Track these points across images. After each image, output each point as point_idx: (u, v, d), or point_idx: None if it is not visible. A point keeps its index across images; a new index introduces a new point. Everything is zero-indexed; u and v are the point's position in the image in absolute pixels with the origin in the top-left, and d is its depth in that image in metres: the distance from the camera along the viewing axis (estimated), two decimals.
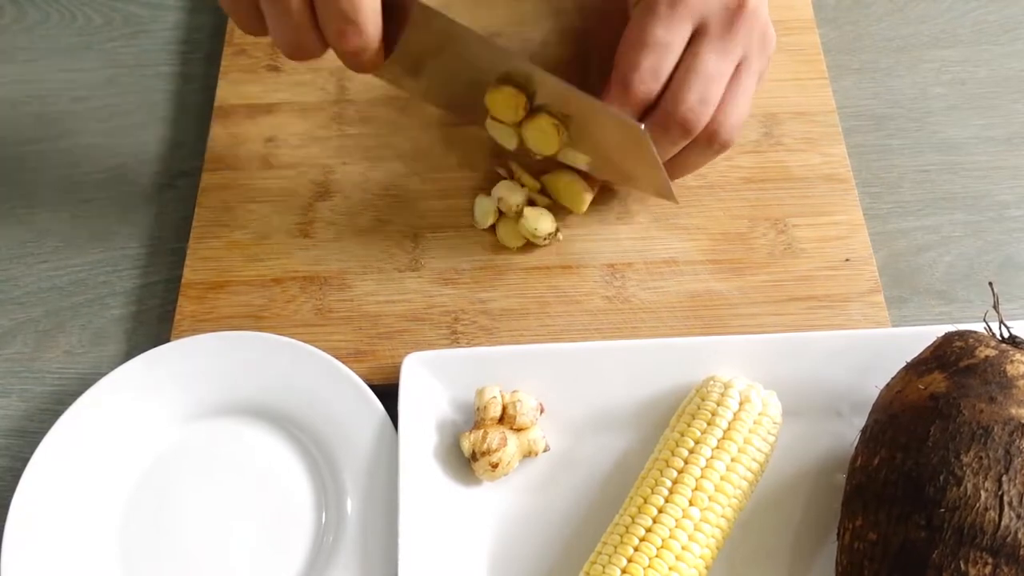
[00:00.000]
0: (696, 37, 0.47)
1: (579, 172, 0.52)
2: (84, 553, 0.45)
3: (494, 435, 0.45)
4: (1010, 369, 0.40)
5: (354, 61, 0.44)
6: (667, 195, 0.52)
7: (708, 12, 0.47)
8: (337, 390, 0.47)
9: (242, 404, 0.48)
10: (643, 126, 0.46)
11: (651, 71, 0.47)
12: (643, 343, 0.48)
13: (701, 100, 0.47)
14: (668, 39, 0.47)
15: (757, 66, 0.49)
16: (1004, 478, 0.38)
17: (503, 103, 0.49)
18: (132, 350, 0.51)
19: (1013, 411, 0.39)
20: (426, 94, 0.53)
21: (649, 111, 0.48)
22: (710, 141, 0.48)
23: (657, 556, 0.41)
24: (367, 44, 0.43)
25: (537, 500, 0.46)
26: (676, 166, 0.50)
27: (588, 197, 0.52)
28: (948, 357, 0.42)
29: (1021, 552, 0.37)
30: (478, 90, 0.50)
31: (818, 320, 0.50)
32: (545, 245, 0.52)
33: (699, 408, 0.45)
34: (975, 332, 0.43)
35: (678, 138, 0.48)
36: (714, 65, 0.47)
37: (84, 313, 0.53)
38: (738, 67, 0.48)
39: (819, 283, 0.52)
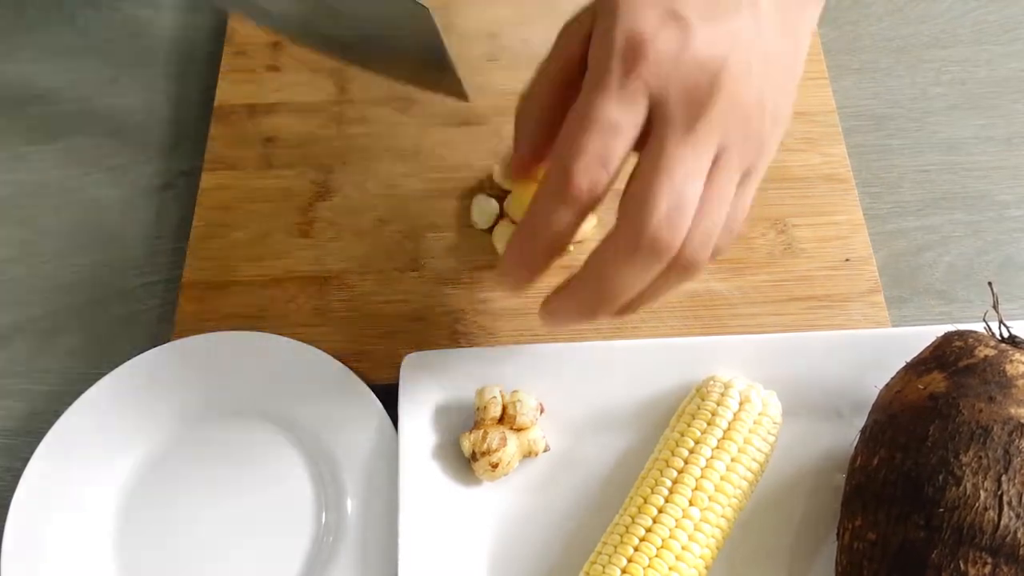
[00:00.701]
0: (656, 124, 0.36)
1: None
2: (84, 553, 0.45)
3: (494, 435, 0.45)
4: (1009, 369, 0.40)
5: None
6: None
7: (668, 88, 0.35)
8: (337, 390, 0.47)
9: (242, 404, 0.48)
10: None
11: (599, 159, 0.35)
12: (643, 343, 0.48)
13: (675, 206, 0.35)
14: (618, 119, 0.35)
15: (739, 162, 0.37)
16: (1003, 478, 0.38)
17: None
18: (132, 350, 0.51)
19: (1012, 411, 0.39)
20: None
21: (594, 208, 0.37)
22: (671, 264, 0.36)
23: (657, 556, 0.41)
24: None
25: (537, 500, 0.46)
26: (619, 291, 0.37)
27: None
28: (947, 357, 0.42)
29: (1020, 552, 0.37)
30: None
31: (818, 320, 0.50)
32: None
33: (699, 408, 0.45)
34: (974, 332, 0.43)
35: (652, 263, 0.36)
36: (687, 158, 0.35)
37: (84, 313, 0.53)
38: (712, 164, 0.36)
39: (819, 283, 0.52)
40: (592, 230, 0.51)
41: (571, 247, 0.50)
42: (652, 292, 0.38)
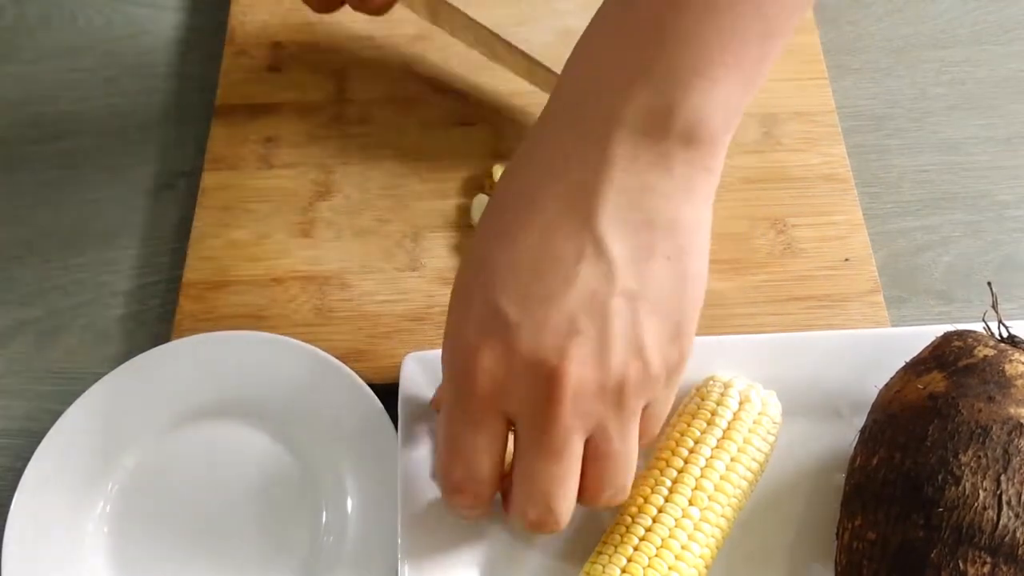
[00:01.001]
0: (516, 433, 0.36)
1: None
2: (83, 553, 0.45)
3: None
4: (1009, 369, 0.40)
5: (371, 8, 0.48)
6: None
7: (512, 397, 0.35)
8: (337, 390, 0.47)
9: (242, 404, 0.48)
10: None
11: (471, 481, 0.37)
12: None
13: (545, 510, 0.36)
14: (475, 444, 0.36)
15: (620, 425, 0.36)
16: (1002, 477, 0.38)
17: None
18: (132, 350, 0.51)
19: (1012, 410, 0.39)
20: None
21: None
22: (598, 508, 0.39)
23: (657, 556, 0.41)
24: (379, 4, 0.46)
25: None
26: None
27: None
28: (947, 357, 0.42)
29: (1019, 551, 0.37)
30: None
31: (818, 320, 0.50)
32: None
33: (699, 408, 0.45)
34: (974, 332, 0.43)
35: (541, 532, 0.38)
36: (547, 467, 0.35)
37: (84, 313, 0.53)
38: (592, 442, 0.36)
39: (819, 283, 0.52)
40: None
41: None
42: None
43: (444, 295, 0.51)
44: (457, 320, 0.36)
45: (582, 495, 0.37)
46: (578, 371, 0.34)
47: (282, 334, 0.49)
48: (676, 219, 0.36)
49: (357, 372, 0.48)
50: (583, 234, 0.34)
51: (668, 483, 0.42)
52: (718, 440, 0.43)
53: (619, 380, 0.35)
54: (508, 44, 0.54)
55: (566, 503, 0.36)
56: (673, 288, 0.36)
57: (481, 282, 0.35)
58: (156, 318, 0.53)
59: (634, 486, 0.44)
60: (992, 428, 0.39)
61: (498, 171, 0.54)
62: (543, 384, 0.34)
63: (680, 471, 0.43)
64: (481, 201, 0.53)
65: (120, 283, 0.54)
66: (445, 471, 0.37)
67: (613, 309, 0.34)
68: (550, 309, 0.34)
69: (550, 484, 0.36)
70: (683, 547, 0.41)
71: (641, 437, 0.38)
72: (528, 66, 0.54)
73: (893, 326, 0.51)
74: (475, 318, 0.35)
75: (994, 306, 0.43)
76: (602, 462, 0.36)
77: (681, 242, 0.36)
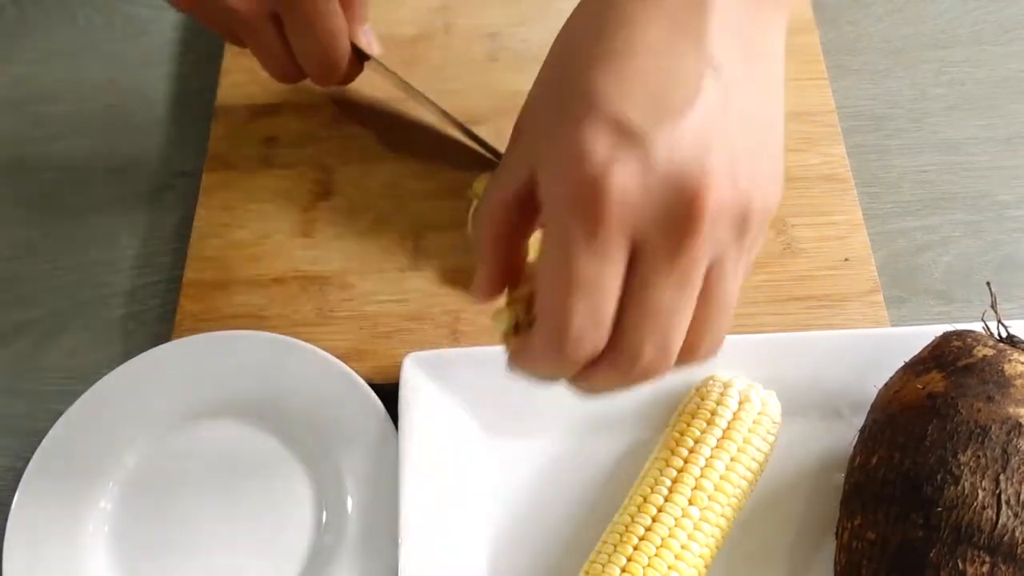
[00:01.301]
0: (640, 259, 0.32)
1: None
2: (84, 553, 0.45)
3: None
4: (1008, 368, 0.40)
5: (332, 85, 0.52)
6: None
7: (642, 223, 0.32)
8: (337, 390, 0.47)
9: (242, 404, 0.48)
10: None
11: (590, 319, 0.33)
12: None
13: (660, 349, 0.34)
14: (597, 274, 0.32)
15: (736, 261, 0.35)
16: (1001, 477, 0.38)
17: None
18: (132, 350, 0.51)
19: (1011, 410, 0.39)
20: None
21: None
22: (685, 363, 0.36)
23: (656, 555, 0.41)
24: (343, 80, 0.51)
25: (537, 500, 0.46)
26: (601, 393, 0.37)
27: None
28: (946, 357, 0.42)
29: (1019, 551, 0.37)
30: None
31: (817, 320, 0.50)
32: None
33: (698, 407, 0.45)
34: (973, 332, 0.43)
35: (639, 382, 0.35)
36: (669, 299, 0.33)
37: (84, 313, 0.53)
38: (708, 276, 0.34)
39: (818, 283, 0.52)
40: None
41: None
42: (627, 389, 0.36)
43: (444, 295, 0.51)
44: (572, 146, 0.32)
45: (684, 351, 0.35)
46: (717, 190, 0.31)
47: (282, 334, 0.49)
48: (773, 52, 0.36)
49: (358, 372, 0.48)
50: (698, 53, 0.32)
51: (668, 483, 0.42)
52: (718, 440, 0.43)
53: (744, 207, 0.33)
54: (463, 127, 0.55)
55: (679, 342, 0.34)
56: (773, 124, 0.35)
57: (595, 104, 0.32)
58: (156, 318, 0.53)
59: (634, 485, 0.44)
60: (991, 428, 0.39)
61: (480, 183, 0.54)
62: (684, 202, 0.31)
63: (680, 471, 0.43)
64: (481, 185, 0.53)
65: (120, 283, 0.54)
66: (565, 317, 0.33)
67: (735, 131, 0.32)
68: (683, 124, 0.31)
69: (672, 316, 0.33)
70: (683, 547, 0.41)
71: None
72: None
73: (893, 326, 0.51)
74: (599, 137, 0.31)
75: (993, 306, 0.43)
76: (711, 304, 0.34)
77: (776, 76, 0.36)
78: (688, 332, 0.34)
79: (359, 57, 0.52)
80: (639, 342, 0.33)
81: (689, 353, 0.35)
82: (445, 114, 0.51)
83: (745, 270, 0.36)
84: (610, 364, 0.35)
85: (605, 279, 0.32)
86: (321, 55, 0.49)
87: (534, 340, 0.34)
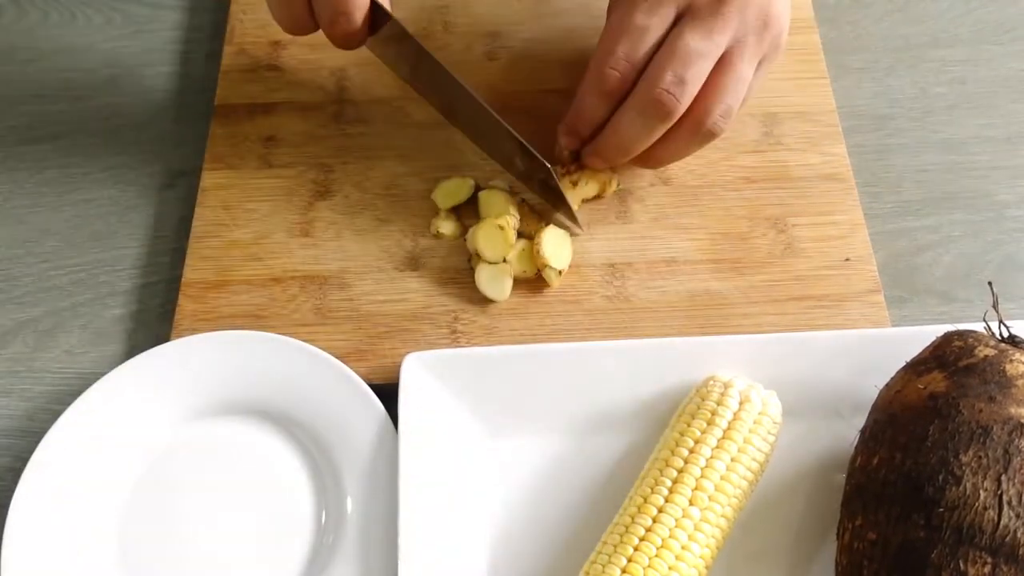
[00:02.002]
0: (682, 19, 0.45)
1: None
2: (84, 553, 0.45)
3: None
4: (1009, 369, 0.40)
5: (340, 42, 0.49)
6: (572, 226, 0.52)
7: None
8: (337, 390, 0.47)
9: (242, 404, 0.48)
10: (552, 167, 0.48)
11: (625, 56, 0.45)
12: (643, 343, 0.48)
13: (677, 80, 0.44)
14: (646, 23, 0.45)
15: (754, 50, 0.46)
16: (1003, 477, 0.38)
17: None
18: (132, 350, 0.51)
19: (1012, 410, 0.39)
20: (405, 76, 0.55)
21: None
22: (694, 129, 0.46)
23: (657, 556, 0.41)
24: (354, 31, 0.48)
25: (537, 500, 0.46)
26: (658, 153, 0.49)
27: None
28: (947, 357, 0.42)
29: (1020, 551, 0.37)
30: (449, 97, 0.52)
31: (818, 320, 0.50)
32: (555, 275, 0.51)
33: (699, 408, 0.45)
34: (974, 332, 0.43)
35: (655, 122, 0.46)
36: (695, 44, 0.44)
37: (84, 313, 0.53)
38: (730, 51, 0.45)
39: (819, 283, 0.52)
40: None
41: (556, 278, 0.51)
42: (678, 151, 0.49)
43: (444, 294, 0.51)
44: None
45: (698, 104, 0.45)
46: None
47: (282, 334, 0.49)
48: None
49: (357, 372, 0.48)
50: None
51: (668, 483, 0.42)
52: (718, 440, 0.43)
53: (767, 8, 0.45)
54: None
55: (695, 85, 0.44)
56: None
57: None
58: (156, 318, 0.53)
59: (634, 486, 0.44)
60: (993, 428, 0.39)
61: (440, 191, 0.54)
62: None
63: (680, 471, 0.43)
64: (487, 195, 0.53)
65: (120, 283, 0.54)
66: (609, 49, 0.46)
67: None
68: None
69: (692, 58, 0.44)
70: (683, 547, 0.41)
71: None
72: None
73: (893, 326, 0.51)
74: None
75: (995, 306, 0.43)
76: (725, 74, 0.45)
77: None
78: (706, 94, 0.45)
79: (375, 17, 0.49)
80: (662, 70, 0.44)
81: (703, 113, 0.45)
82: (462, 87, 0.50)
83: (756, 72, 0.47)
84: (635, 97, 0.46)
85: (651, 29, 0.45)
86: (337, 1, 0.47)
87: (585, 79, 0.47)
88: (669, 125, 0.46)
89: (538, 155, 0.49)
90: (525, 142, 0.49)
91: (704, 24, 0.45)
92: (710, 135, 0.47)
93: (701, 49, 0.44)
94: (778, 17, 0.46)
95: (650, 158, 0.50)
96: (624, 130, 0.47)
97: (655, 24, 0.45)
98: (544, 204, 0.54)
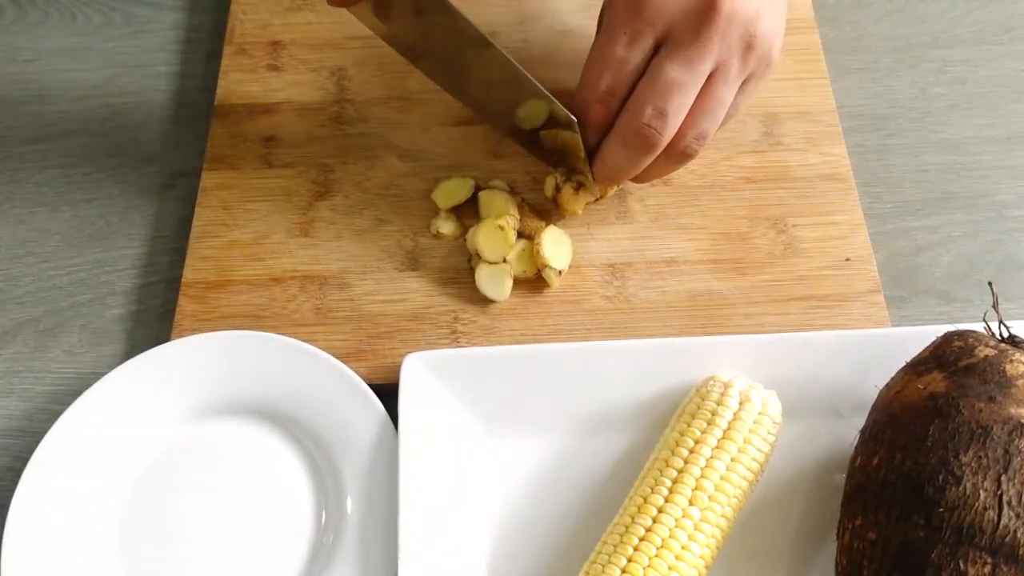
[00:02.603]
0: (662, 49, 0.45)
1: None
2: (84, 553, 0.45)
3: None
4: (1009, 369, 0.40)
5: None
6: (590, 188, 0.52)
7: (672, 21, 0.44)
8: (337, 390, 0.47)
9: (242, 404, 0.48)
10: (575, 118, 0.48)
11: (608, 89, 0.46)
12: (643, 343, 0.48)
13: (658, 113, 0.44)
14: (626, 55, 0.45)
15: (738, 73, 0.46)
16: (1003, 478, 0.38)
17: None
18: (132, 350, 0.51)
19: (1012, 411, 0.39)
20: (403, 43, 0.53)
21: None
22: (668, 152, 0.47)
23: (657, 556, 0.41)
24: None
25: (537, 500, 0.46)
26: (642, 174, 0.49)
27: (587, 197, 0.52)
28: (947, 357, 0.42)
29: (1020, 551, 0.37)
30: (448, 54, 0.51)
31: (818, 320, 0.50)
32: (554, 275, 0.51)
33: (699, 408, 0.45)
34: (974, 332, 0.43)
35: (638, 154, 0.46)
36: (676, 76, 0.44)
37: (84, 313, 0.53)
38: (711, 76, 0.45)
39: (819, 283, 0.52)
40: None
41: (556, 278, 0.51)
42: (655, 172, 0.49)
43: (444, 294, 0.51)
44: None
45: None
46: (731, 5, 0.43)
47: (282, 334, 0.49)
48: None
49: (357, 372, 0.48)
50: None
51: (668, 483, 0.42)
52: (718, 440, 0.43)
53: (752, 26, 0.44)
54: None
55: (677, 117, 0.45)
56: None
57: None
58: (156, 318, 0.53)
59: (634, 486, 0.44)
60: (993, 428, 0.39)
61: (440, 191, 0.54)
62: (703, 8, 0.43)
63: (680, 471, 0.43)
64: (487, 195, 0.53)
65: (120, 283, 0.54)
66: (592, 83, 0.46)
67: None
68: None
69: (673, 89, 0.44)
70: (683, 547, 0.41)
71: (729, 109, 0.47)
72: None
73: (893, 326, 0.51)
74: None
75: (995, 306, 0.43)
76: (706, 100, 0.45)
77: None
78: (682, 121, 0.45)
79: None
80: (642, 104, 0.45)
81: (677, 138, 0.46)
82: (485, 40, 0.48)
83: (742, 91, 0.47)
84: (617, 130, 0.46)
85: (631, 59, 0.45)
86: None
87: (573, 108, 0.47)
88: (653, 156, 0.46)
89: (560, 105, 0.48)
90: (545, 90, 0.48)
91: (685, 53, 0.44)
92: (685, 157, 0.47)
93: (682, 81, 0.44)
94: (765, 35, 0.45)
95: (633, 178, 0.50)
96: (610, 159, 0.48)
97: (635, 55, 0.45)
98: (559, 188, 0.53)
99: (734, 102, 0.47)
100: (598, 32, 0.48)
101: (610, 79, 0.45)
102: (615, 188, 0.53)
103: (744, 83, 0.47)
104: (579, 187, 0.52)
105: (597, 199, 0.53)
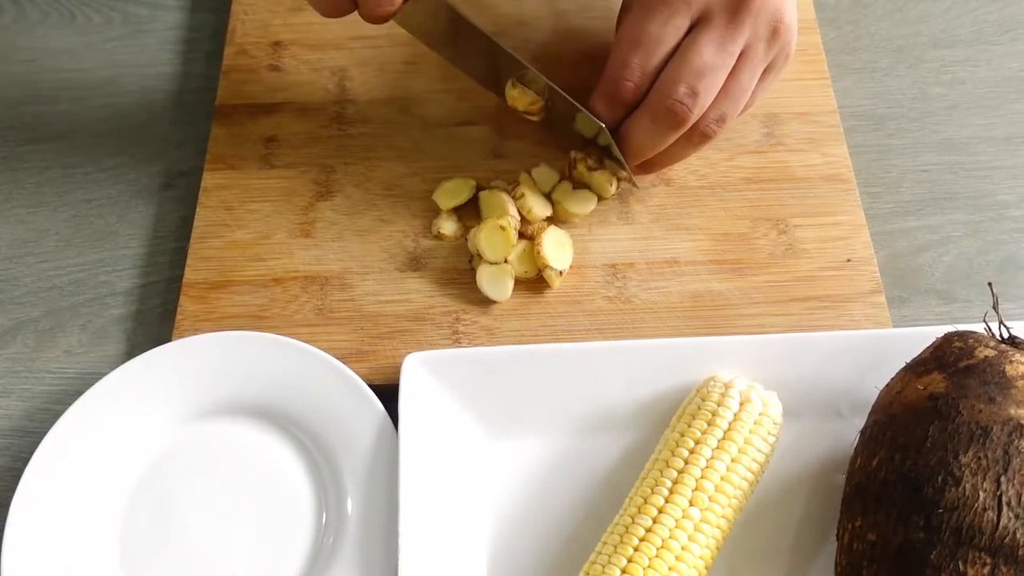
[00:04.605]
0: (696, 28, 0.46)
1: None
2: (84, 553, 0.45)
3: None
4: (1009, 369, 0.40)
5: (373, 14, 0.48)
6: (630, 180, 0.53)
7: (710, 3, 0.46)
8: (337, 390, 0.47)
9: (242, 404, 0.48)
10: (603, 124, 0.48)
11: (640, 66, 0.46)
12: (644, 343, 0.48)
13: (690, 92, 0.45)
14: (660, 33, 0.46)
15: (762, 58, 0.47)
16: (1003, 478, 0.38)
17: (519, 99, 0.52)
18: (132, 350, 0.51)
19: (1012, 411, 0.39)
20: (435, 45, 0.54)
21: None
22: (689, 133, 0.47)
23: (657, 556, 0.41)
24: (391, 10, 0.47)
25: (537, 500, 0.46)
26: (658, 157, 0.50)
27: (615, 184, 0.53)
28: (947, 358, 0.42)
29: (1019, 552, 0.37)
30: (485, 61, 0.52)
31: (819, 321, 0.50)
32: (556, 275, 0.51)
33: (699, 408, 0.45)
34: (974, 332, 0.43)
35: (668, 130, 0.47)
36: (709, 56, 0.45)
37: (84, 313, 0.53)
38: (738, 59, 0.46)
39: (820, 283, 0.52)
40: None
41: (556, 279, 0.51)
42: (673, 154, 0.50)
43: (444, 295, 0.51)
44: None
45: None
46: None
47: (283, 334, 0.49)
48: None
49: (358, 372, 0.48)
50: None
51: (668, 484, 0.42)
52: (719, 441, 0.43)
53: (778, 16, 0.46)
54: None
55: (707, 96, 0.46)
56: None
57: None
58: (156, 318, 0.53)
59: (634, 486, 0.44)
60: (992, 429, 0.39)
61: (441, 192, 0.54)
62: None
63: (680, 472, 0.43)
64: (488, 196, 0.53)
65: (120, 283, 0.54)
66: (625, 61, 0.46)
67: None
68: None
69: (705, 70, 0.45)
70: (683, 548, 0.41)
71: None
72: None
73: (894, 326, 0.51)
74: None
75: (995, 306, 0.43)
76: (731, 84, 0.46)
77: None
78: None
79: None
80: (675, 81, 0.45)
81: (700, 119, 0.46)
82: (499, 46, 0.50)
83: (761, 80, 0.48)
84: (647, 106, 0.46)
85: (664, 38, 0.45)
86: None
87: (599, 85, 0.48)
88: (680, 133, 0.47)
89: (588, 112, 0.49)
90: (574, 101, 0.49)
91: (719, 34, 0.45)
92: (704, 139, 0.48)
93: (715, 62, 0.45)
94: (789, 26, 0.47)
95: (646, 163, 0.51)
96: (636, 136, 0.48)
97: (669, 34, 0.46)
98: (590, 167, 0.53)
99: (753, 91, 0.48)
100: (625, 12, 0.48)
101: (642, 57, 0.46)
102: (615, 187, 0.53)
103: (764, 73, 0.48)
104: (600, 166, 0.53)
105: (620, 184, 0.53)
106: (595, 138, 0.52)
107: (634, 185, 0.53)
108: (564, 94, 0.50)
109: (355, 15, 0.48)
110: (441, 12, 0.50)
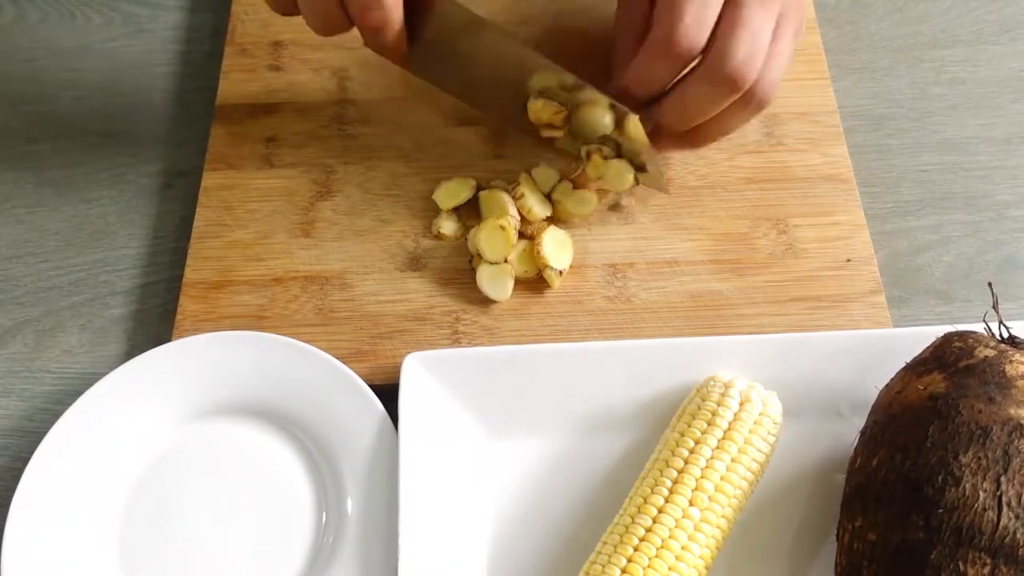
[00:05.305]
0: None
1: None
2: (84, 553, 0.45)
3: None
4: (1009, 369, 0.40)
5: (377, 40, 0.47)
6: (662, 187, 0.52)
7: None
8: (337, 390, 0.47)
9: (242, 404, 0.48)
10: (636, 116, 0.47)
11: (696, 22, 0.45)
12: (644, 343, 0.48)
13: (750, 54, 0.45)
14: (702, 7, 0.44)
15: (793, 27, 0.47)
16: (1003, 478, 0.38)
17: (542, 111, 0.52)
18: (132, 350, 0.51)
19: (1012, 411, 0.39)
20: (455, 88, 0.54)
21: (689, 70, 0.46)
22: (748, 99, 0.47)
23: (657, 556, 0.41)
24: (388, 21, 0.46)
25: (537, 499, 0.46)
26: (711, 127, 0.49)
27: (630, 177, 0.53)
28: (947, 357, 0.42)
29: (1019, 552, 0.37)
30: (507, 87, 0.51)
31: (819, 321, 0.50)
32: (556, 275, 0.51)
33: (699, 408, 0.45)
34: (974, 332, 0.43)
35: (726, 94, 0.46)
36: (759, 17, 0.45)
37: (84, 313, 0.53)
38: (776, 22, 0.47)
39: (820, 283, 0.52)
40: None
41: (556, 279, 0.51)
42: (725, 123, 0.49)
43: (444, 295, 0.51)
44: None
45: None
46: None
47: (283, 334, 0.49)
48: None
49: (358, 372, 0.48)
50: None
51: (668, 484, 0.42)
52: (719, 441, 0.43)
53: None
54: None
55: (763, 55, 0.45)
56: None
57: None
58: (156, 318, 0.53)
59: (634, 486, 0.44)
60: (992, 429, 0.39)
61: (440, 192, 0.54)
62: None
63: (680, 472, 0.43)
64: (488, 196, 0.53)
65: (120, 283, 0.54)
66: (678, 16, 0.44)
67: None
68: None
69: (757, 32, 0.45)
70: (683, 548, 0.41)
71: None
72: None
73: (894, 326, 0.51)
74: None
75: (995, 306, 0.43)
76: (776, 45, 0.46)
77: None
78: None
79: (413, 25, 0.48)
80: (733, 47, 0.44)
81: (755, 84, 0.46)
82: (520, 44, 0.49)
83: (793, 38, 0.48)
84: (705, 70, 0.45)
85: (710, 8, 0.44)
86: None
87: (648, 42, 0.46)
88: (737, 97, 0.46)
89: (623, 107, 0.48)
90: (613, 100, 0.49)
91: (762, 2, 0.45)
92: (761, 105, 0.47)
93: (763, 24, 0.45)
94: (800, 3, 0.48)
95: (698, 134, 0.50)
96: (691, 100, 0.47)
97: (714, 4, 0.45)
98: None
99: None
100: None
101: (698, 11, 0.44)
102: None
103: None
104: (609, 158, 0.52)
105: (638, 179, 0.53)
106: (613, 132, 0.51)
107: (664, 191, 0.53)
108: (591, 87, 0.48)
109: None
110: (458, 25, 0.49)
